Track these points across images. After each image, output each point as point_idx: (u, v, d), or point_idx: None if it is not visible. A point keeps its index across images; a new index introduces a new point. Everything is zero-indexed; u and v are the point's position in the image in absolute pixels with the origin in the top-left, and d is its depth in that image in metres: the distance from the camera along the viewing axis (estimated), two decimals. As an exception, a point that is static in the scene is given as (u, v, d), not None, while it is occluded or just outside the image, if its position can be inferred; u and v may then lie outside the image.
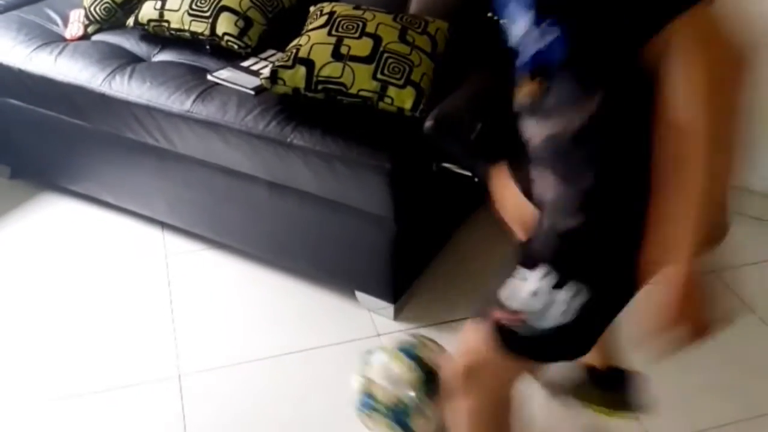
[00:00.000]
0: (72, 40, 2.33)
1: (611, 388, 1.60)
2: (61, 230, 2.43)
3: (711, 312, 1.03)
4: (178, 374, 1.90)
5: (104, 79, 2.11)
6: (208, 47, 2.22)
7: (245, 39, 2.17)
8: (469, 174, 1.86)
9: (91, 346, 2.00)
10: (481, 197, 2.44)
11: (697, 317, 1.02)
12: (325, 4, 2.10)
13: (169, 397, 1.84)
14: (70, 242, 2.38)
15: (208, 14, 2.17)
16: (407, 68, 1.87)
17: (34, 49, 2.26)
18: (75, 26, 2.39)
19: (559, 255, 1.10)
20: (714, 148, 0.92)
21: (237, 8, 2.18)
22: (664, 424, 1.72)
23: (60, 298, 2.15)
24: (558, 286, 1.08)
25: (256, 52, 2.19)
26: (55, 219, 2.47)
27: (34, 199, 2.55)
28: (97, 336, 2.03)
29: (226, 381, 1.89)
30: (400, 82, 1.86)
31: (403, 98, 1.85)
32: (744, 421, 1.76)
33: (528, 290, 1.10)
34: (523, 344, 1.14)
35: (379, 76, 1.86)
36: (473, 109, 1.80)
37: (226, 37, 2.16)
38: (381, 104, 1.88)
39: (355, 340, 2.01)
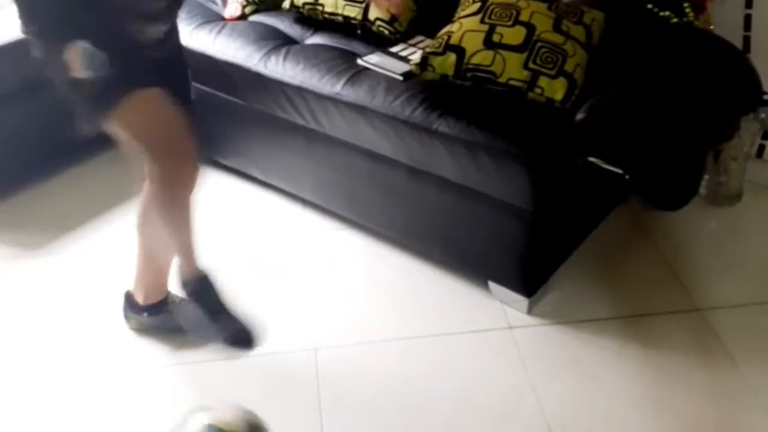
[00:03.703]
0: (230, 20, 2.43)
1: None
2: (211, 202, 2.55)
3: None
4: (314, 347, 1.97)
5: (260, 59, 2.20)
6: (359, 31, 2.26)
7: (396, 25, 2.20)
8: (618, 170, 1.80)
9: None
10: (624, 194, 2.38)
11: None
12: (477, -9, 2.08)
13: (305, 368, 1.91)
14: (218, 214, 2.50)
15: (361, -1, 2.21)
16: (560, 58, 1.83)
17: (195, 27, 2.38)
18: (233, 6, 2.49)
19: None
20: None
21: (389, -7, 2.20)
22: None
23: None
24: None
25: (405, 37, 2.21)
26: (204, 191, 2.58)
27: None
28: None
29: (356, 358, 1.94)
30: (552, 72, 1.82)
31: (555, 89, 1.81)
32: None
33: None
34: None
35: (530, 65, 1.83)
36: (629, 104, 1.74)
37: (378, 22, 2.20)
38: (530, 94, 1.85)
39: (486, 330, 2.00)
